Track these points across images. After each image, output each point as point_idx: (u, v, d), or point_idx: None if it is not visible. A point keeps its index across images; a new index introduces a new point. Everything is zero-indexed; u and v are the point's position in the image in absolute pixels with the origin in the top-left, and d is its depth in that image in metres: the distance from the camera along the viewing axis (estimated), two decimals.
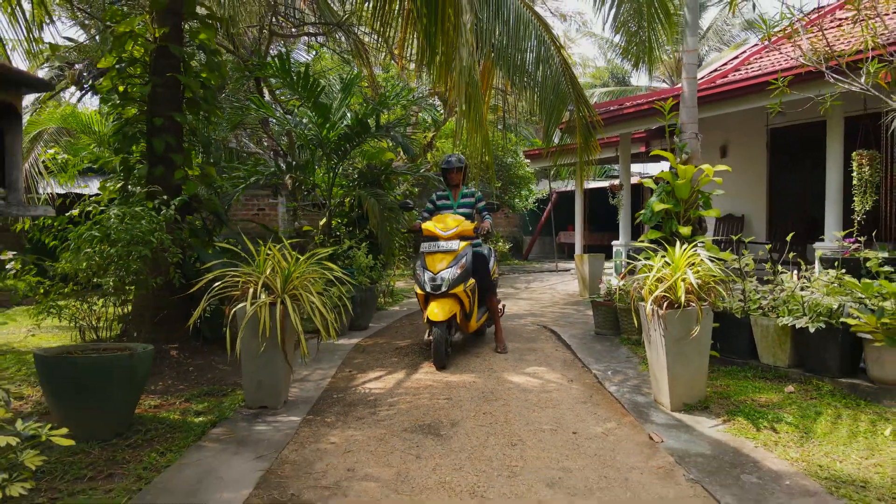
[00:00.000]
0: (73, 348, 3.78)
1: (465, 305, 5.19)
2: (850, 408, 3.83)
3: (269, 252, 4.14)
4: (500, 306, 6.09)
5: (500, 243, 15.97)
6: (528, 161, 14.99)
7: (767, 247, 8.74)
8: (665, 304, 3.87)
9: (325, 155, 7.53)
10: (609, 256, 10.76)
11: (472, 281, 5.26)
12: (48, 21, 5.58)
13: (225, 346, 3.92)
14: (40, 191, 10.26)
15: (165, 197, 4.98)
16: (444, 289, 4.99)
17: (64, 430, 2.11)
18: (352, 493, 2.81)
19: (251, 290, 3.93)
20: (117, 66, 5.57)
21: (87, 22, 9.25)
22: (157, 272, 5.04)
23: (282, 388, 4.07)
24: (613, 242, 10.28)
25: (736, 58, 9.97)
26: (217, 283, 4.06)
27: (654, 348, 4.02)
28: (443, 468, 3.05)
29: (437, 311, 4.93)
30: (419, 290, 5.25)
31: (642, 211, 5.13)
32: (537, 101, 6.86)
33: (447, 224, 5.39)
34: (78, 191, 10.38)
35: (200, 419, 3.82)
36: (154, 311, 5.33)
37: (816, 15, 5.65)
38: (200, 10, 6.22)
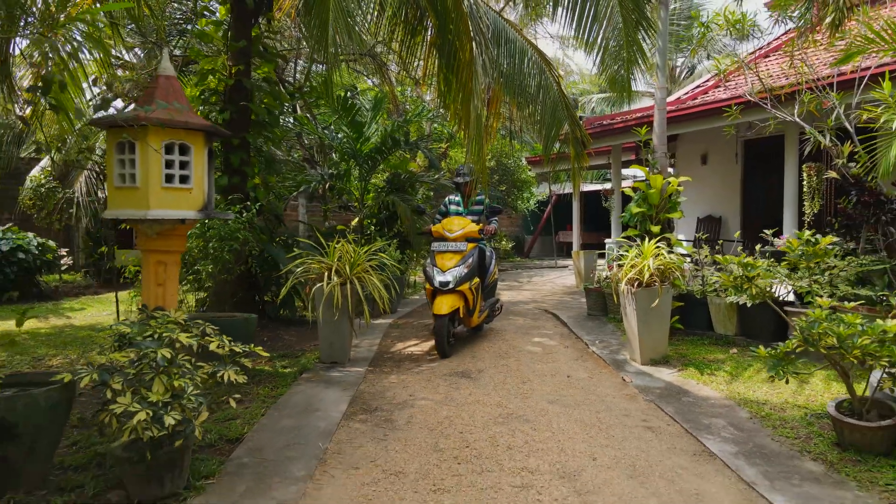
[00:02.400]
0: (197, 315, 5.10)
1: (469, 301, 5.62)
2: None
3: (336, 245, 5.45)
4: (497, 305, 6.74)
5: (503, 242, 17.28)
6: (530, 166, 16.30)
7: (738, 241, 10.05)
8: (636, 284, 5.20)
9: (358, 165, 8.85)
10: (603, 253, 12.09)
11: (476, 280, 5.71)
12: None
13: (286, 322, 5.26)
14: (101, 193, 11.55)
15: (248, 203, 6.31)
16: (451, 285, 5.42)
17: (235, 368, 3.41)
18: (416, 406, 4.14)
19: (326, 274, 5.25)
20: (201, 97, 6.90)
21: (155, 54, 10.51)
22: (239, 262, 6.36)
23: (347, 348, 5.40)
24: (606, 240, 11.60)
25: (698, 86, 11.31)
26: (299, 269, 5.39)
27: (628, 319, 5.35)
28: (476, 394, 4.39)
29: (443, 305, 5.35)
30: (428, 286, 5.66)
31: (622, 213, 6.46)
32: (538, 119, 8.17)
33: (455, 226, 5.87)
34: None
35: (289, 370, 5.13)
36: (231, 294, 6.65)
37: (758, 54, 6.97)
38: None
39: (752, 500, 2.77)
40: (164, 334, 2.93)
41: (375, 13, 6.15)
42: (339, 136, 8.99)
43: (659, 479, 2.99)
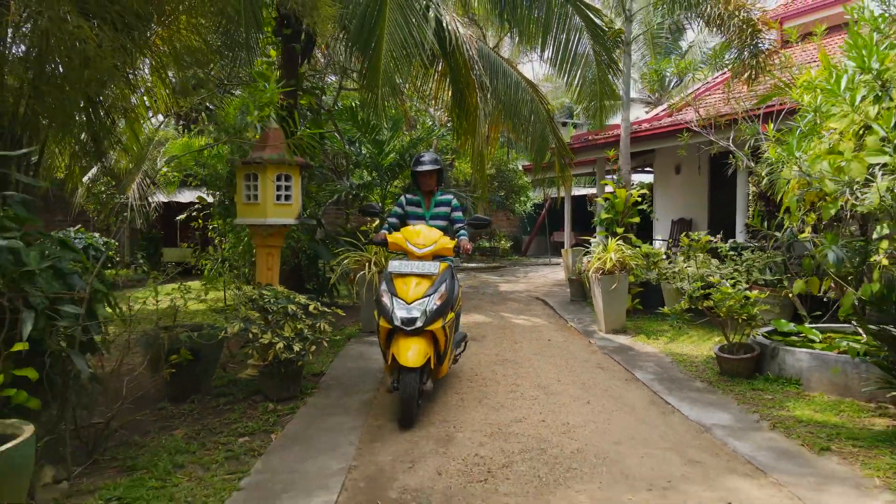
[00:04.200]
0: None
1: (441, 345, 4.07)
2: (706, 332, 6.83)
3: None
4: (463, 342, 5.12)
5: (502, 241, 18.97)
6: (526, 174, 18.01)
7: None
8: (601, 273, 6.89)
9: (379, 176, 10.55)
10: (588, 251, 13.79)
11: (451, 315, 4.21)
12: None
13: (328, 306, 6.93)
14: (150, 198, 13.27)
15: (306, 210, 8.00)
16: (419, 324, 3.85)
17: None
18: None
19: (367, 265, 6.95)
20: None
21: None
22: (294, 257, 8.06)
23: None
24: (591, 239, 13.30)
25: (664, 110, 13.04)
26: (345, 262, 7.09)
27: (596, 299, 7.05)
28: (481, 349, 6.09)
29: (411, 353, 3.79)
30: (384, 324, 4.01)
31: (593, 219, 8.16)
32: (530, 140, 9.87)
33: (422, 239, 4.32)
34: (177, 199, 13.49)
35: (339, 337, 6.82)
36: (284, 282, 8.34)
37: (705, 89, 8.68)
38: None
39: (654, 400, 4.47)
40: (286, 298, 4.63)
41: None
42: (363, 151, 10.68)
43: (598, 389, 4.69)
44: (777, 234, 5.40)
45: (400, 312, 3.92)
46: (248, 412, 4.20)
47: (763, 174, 4.70)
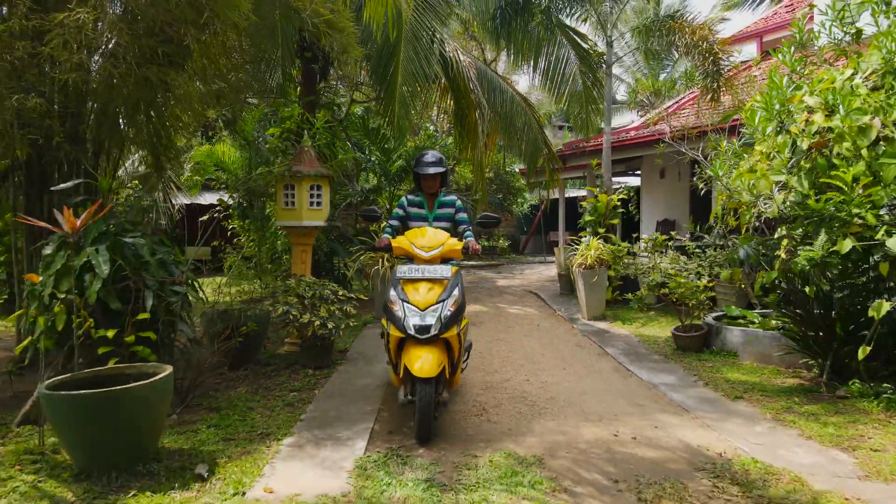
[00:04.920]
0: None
1: (455, 353, 3.93)
2: (673, 318, 7.89)
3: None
4: (468, 349, 4.69)
5: (500, 240, 20.04)
6: (522, 177, 19.08)
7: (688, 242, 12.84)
8: (583, 267, 7.96)
9: (387, 181, 11.62)
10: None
11: (465, 321, 4.17)
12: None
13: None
14: (173, 200, 14.34)
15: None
16: (434, 332, 3.68)
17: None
18: None
19: (380, 261, 8.01)
20: (282, 135, 9.65)
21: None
22: (314, 255, 9.12)
23: None
24: (582, 238, 14.38)
25: (642, 122, 14.10)
26: (362, 258, 8.15)
27: (579, 290, 8.11)
28: (481, 332, 7.15)
29: (424, 363, 3.59)
30: (394, 332, 3.81)
31: (580, 220, 9.23)
32: (523, 147, 10.94)
33: (428, 242, 4.11)
34: (198, 201, 14.56)
35: (356, 324, 7.87)
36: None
37: (681, 104, 9.74)
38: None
39: (617, 368, 5.53)
40: (321, 285, 5.69)
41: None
42: (373, 158, 11.75)
43: (574, 360, 5.76)
44: (706, 235, 6.47)
45: (413, 320, 3.67)
46: (292, 376, 5.26)
47: (701, 186, 5.73)
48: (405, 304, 3.77)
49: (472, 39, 13.27)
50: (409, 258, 4.12)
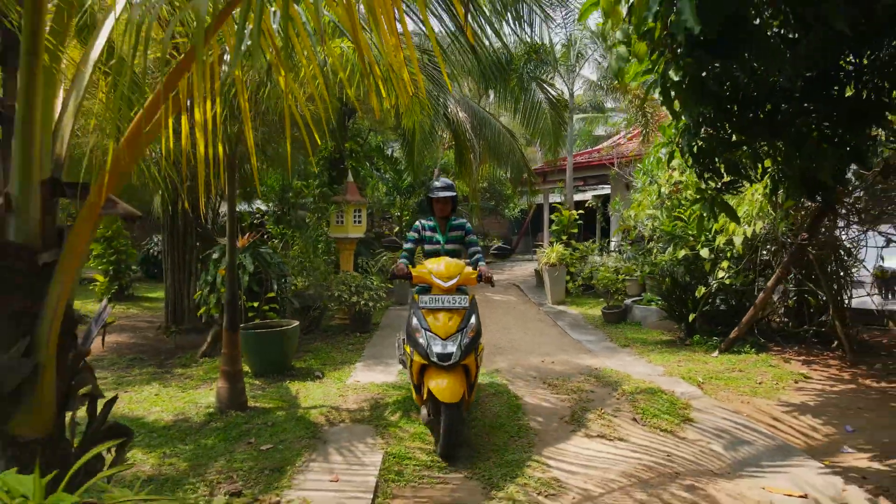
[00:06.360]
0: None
1: (472, 376, 4.15)
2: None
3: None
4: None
5: (494, 241, 22.81)
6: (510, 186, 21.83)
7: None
8: (548, 265, 10.75)
9: (398, 194, 14.39)
10: None
11: (482, 346, 4.43)
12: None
13: None
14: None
15: None
16: (455, 359, 3.90)
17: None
18: None
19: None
20: (318, 163, 12.40)
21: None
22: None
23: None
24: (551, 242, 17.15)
25: (596, 148, 16.87)
26: (384, 257, 10.93)
27: (545, 282, 10.91)
28: None
29: (449, 390, 3.82)
30: (418, 359, 4.02)
31: (550, 228, 12.01)
32: (509, 168, 13.72)
33: (446, 271, 4.29)
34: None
35: (383, 305, 10.66)
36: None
37: (630, 136, 12.54)
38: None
39: (562, 333, 8.31)
40: (363, 278, 8.48)
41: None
42: (387, 176, 14.53)
43: (534, 328, 8.55)
44: (609, 242, 9.29)
45: (436, 348, 3.91)
46: (347, 336, 8.04)
47: (610, 212, 8.52)
48: (427, 332, 3.99)
49: (469, 76, 16.00)
50: (429, 287, 4.33)
